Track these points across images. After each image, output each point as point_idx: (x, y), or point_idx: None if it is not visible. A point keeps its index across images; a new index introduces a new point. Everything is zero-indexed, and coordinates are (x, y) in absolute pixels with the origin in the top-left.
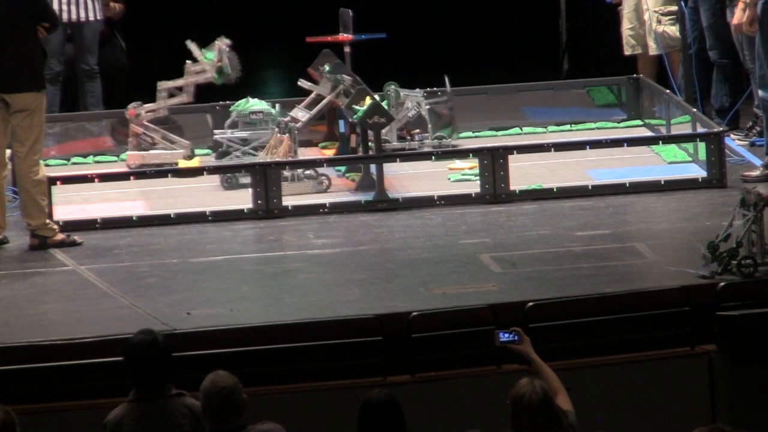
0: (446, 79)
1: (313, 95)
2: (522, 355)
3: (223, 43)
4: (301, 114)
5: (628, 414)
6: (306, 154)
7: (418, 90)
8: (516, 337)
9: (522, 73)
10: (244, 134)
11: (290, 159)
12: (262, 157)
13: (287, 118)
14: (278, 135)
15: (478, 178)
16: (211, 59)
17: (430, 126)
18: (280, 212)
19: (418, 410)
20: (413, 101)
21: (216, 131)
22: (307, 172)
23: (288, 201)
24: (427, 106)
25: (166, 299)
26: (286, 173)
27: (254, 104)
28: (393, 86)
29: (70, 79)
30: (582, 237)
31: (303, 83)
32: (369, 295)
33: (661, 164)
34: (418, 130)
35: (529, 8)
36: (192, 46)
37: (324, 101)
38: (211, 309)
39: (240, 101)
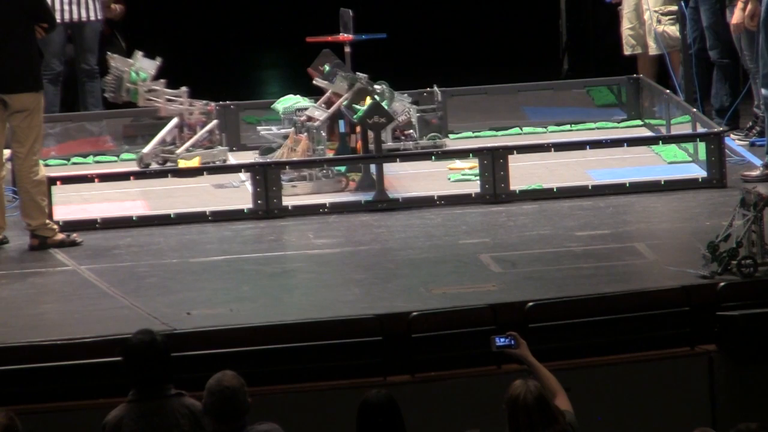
0: (437, 90)
1: (328, 93)
2: (519, 359)
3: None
4: (318, 113)
5: (628, 414)
6: None
7: (406, 95)
8: (512, 342)
9: (522, 73)
10: (289, 131)
11: (290, 159)
12: (278, 157)
13: (303, 118)
14: (294, 134)
15: (478, 178)
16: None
17: (416, 133)
18: (280, 212)
19: (418, 410)
20: (404, 105)
21: (260, 128)
22: (324, 171)
23: (288, 201)
24: (417, 114)
25: (166, 299)
26: (306, 173)
27: (299, 101)
28: (385, 85)
29: (70, 79)
30: (582, 237)
31: (319, 82)
32: (369, 295)
33: (661, 164)
34: (411, 131)
35: (529, 8)
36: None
37: (341, 99)
38: (211, 309)
39: (283, 98)
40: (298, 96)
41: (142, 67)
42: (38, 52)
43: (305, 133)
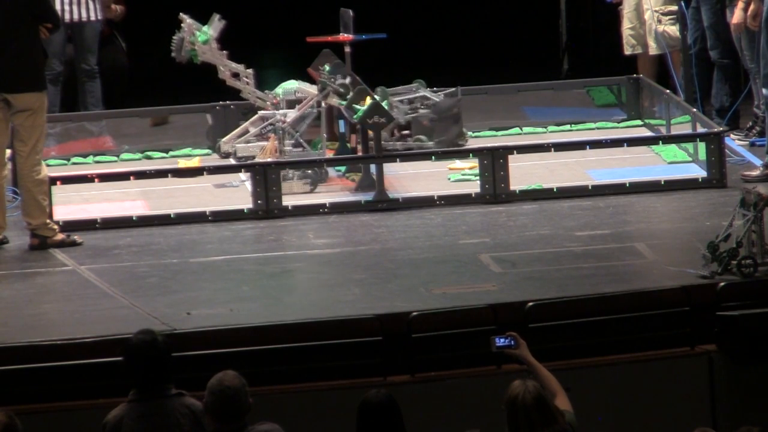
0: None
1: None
2: (519, 359)
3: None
4: (290, 114)
5: (628, 414)
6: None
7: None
8: (512, 342)
9: (522, 73)
10: (291, 113)
11: (291, 159)
12: (257, 159)
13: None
14: (275, 137)
15: (478, 178)
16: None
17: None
18: (280, 212)
19: (418, 410)
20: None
21: (261, 112)
22: (296, 172)
23: (288, 201)
24: (413, 115)
25: (166, 299)
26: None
27: (299, 86)
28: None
29: (70, 79)
30: (582, 237)
31: (303, 87)
32: (369, 295)
33: (661, 164)
34: (406, 131)
35: (529, 8)
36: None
37: (306, 102)
38: (211, 309)
39: (284, 83)
40: (298, 82)
41: (204, 30)
42: (42, 51)
43: (273, 134)
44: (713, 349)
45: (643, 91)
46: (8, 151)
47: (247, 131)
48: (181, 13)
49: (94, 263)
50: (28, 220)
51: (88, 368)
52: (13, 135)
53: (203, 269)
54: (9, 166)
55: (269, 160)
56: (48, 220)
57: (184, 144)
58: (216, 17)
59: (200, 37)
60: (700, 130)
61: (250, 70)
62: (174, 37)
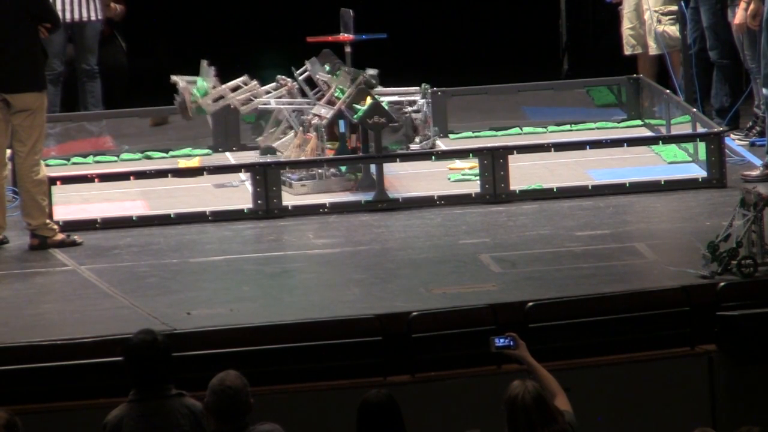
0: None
1: (331, 91)
2: (518, 360)
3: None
4: (324, 111)
5: (628, 414)
6: None
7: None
8: (512, 342)
9: (522, 73)
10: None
11: (291, 159)
12: (287, 156)
13: (310, 116)
14: (302, 133)
15: (478, 178)
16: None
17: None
18: (280, 212)
19: (418, 410)
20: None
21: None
22: (332, 170)
23: (288, 201)
24: None
25: (166, 299)
26: (317, 171)
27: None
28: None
29: (70, 79)
30: (582, 237)
31: (321, 76)
32: (369, 295)
33: (661, 164)
34: None
35: (529, 8)
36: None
37: (346, 95)
38: (211, 309)
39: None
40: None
41: (199, 85)
42: (42, 51)
43: (314, 132)
44: (713, 349)
45: (643, 91)
46: (8, 151)
47: (278, 123)
48: (172, 76)
49: (94, 263)
50: (27, 221)
51: (88, 368)
52: (12, 135)
53: (203, 269)
54: (9, 166)
55: (304, 158)
56: (48, 220)
57: (184, 144)
58: (204, 64)
59: (199, 92)
60: (700, 130)
61: (254, 82)
62: (174, 102)
